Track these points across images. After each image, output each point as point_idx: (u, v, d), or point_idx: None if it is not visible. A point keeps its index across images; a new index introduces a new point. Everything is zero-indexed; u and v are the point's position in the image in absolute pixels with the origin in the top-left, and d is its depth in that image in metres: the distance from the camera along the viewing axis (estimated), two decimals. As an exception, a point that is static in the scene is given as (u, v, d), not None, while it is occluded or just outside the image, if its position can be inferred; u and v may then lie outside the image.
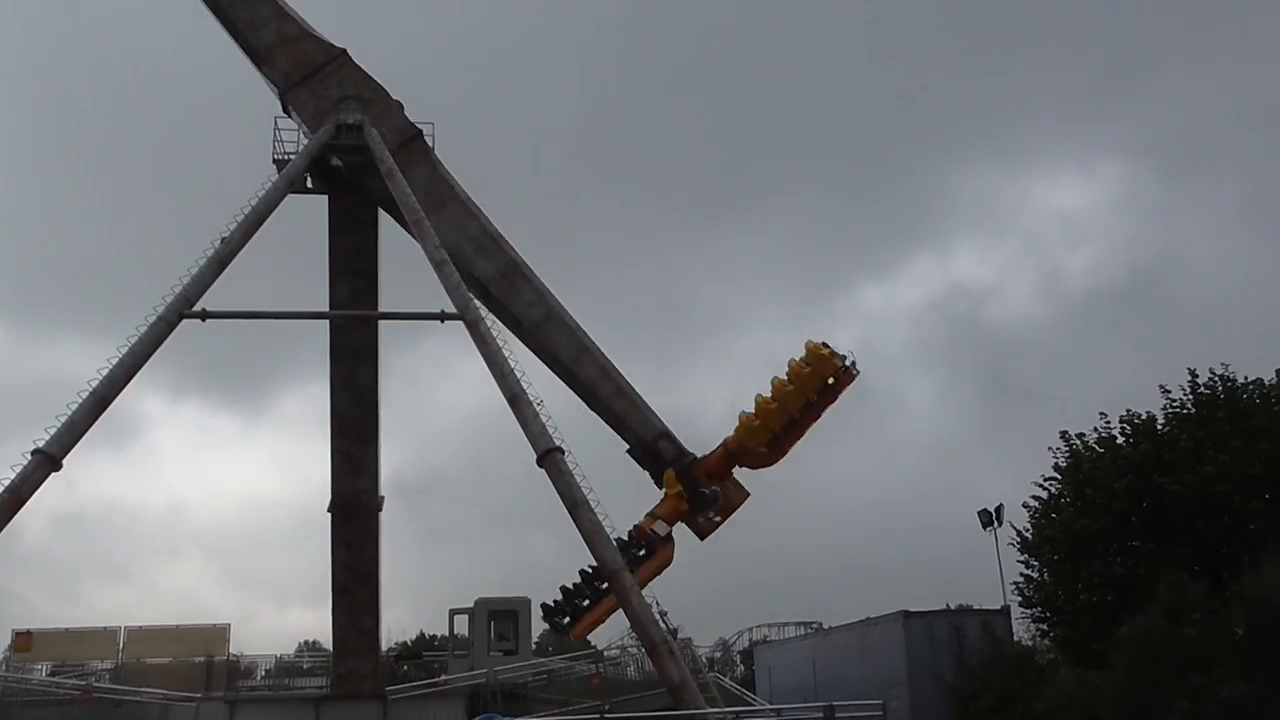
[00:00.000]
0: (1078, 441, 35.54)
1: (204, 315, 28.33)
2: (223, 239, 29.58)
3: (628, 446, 32.22)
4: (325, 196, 34.47)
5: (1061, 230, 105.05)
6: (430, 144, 34.29)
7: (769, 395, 30.38)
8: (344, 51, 34.40)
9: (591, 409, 32.31)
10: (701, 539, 31.05)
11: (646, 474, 31.53)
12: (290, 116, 34.29)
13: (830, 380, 30.49)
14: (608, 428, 31.80)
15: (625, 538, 29.23)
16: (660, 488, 31.22)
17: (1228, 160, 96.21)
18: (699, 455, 31.54)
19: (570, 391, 32.00)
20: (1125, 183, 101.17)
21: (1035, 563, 35.64)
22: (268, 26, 34.38)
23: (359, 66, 34.30)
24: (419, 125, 34.28)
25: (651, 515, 30.55)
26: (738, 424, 30.81)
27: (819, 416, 30.74)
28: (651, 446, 31.99)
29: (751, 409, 30.41)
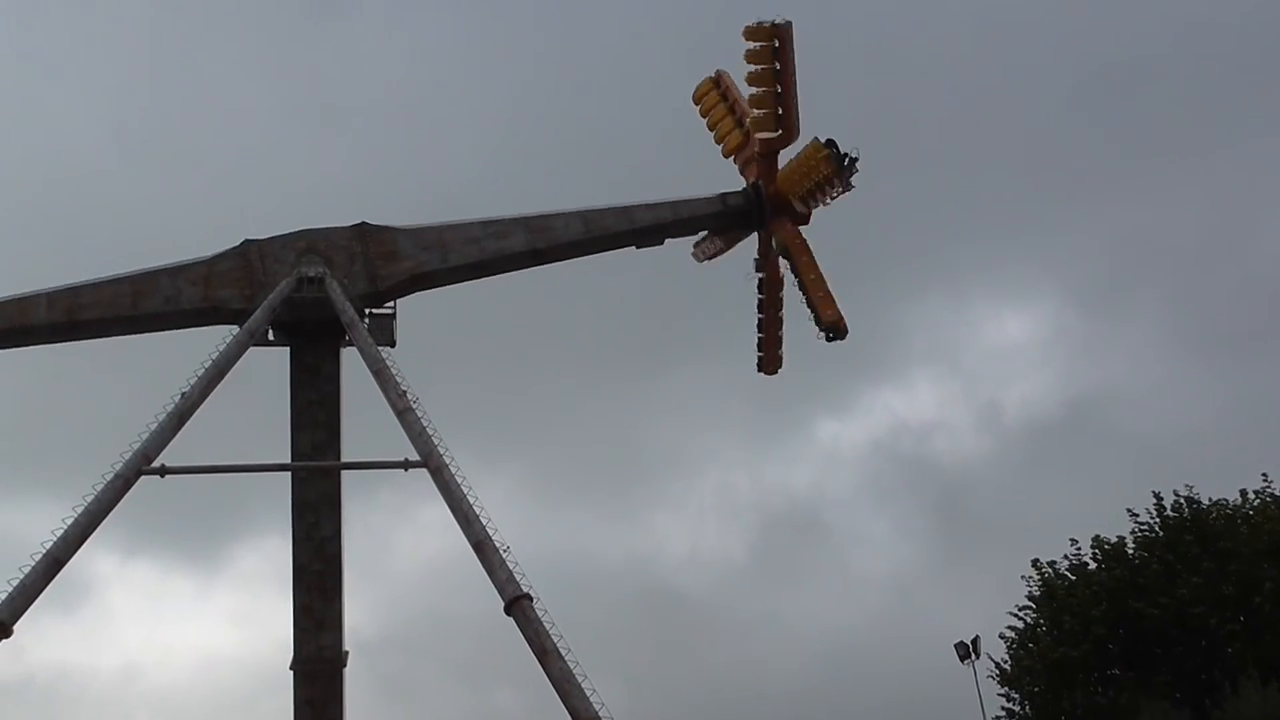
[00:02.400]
0: (1049, 569, 35.38)
1: (163, 471, 27.87)
2: (183, 394, 29.31)
3: (705, 233, 37.88)
4: (287, 349, 34.37)
5: (1000, 365, 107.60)
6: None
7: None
8: (246, 240, 33.98)
9: (667, 238, 36.92)
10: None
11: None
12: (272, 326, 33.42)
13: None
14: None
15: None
16: (761, 229, 36.98)
17: (1144, 298, 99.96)
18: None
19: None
20: (1053, 319, 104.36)
21: (1016, 695, 35.00)
22: (180, 290, 32.99)
23: (268, 237, 34.00)
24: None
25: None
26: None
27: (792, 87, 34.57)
28: (726, 211, 36.76)
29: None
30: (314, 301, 33.22)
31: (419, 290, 34.87)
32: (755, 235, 37.90)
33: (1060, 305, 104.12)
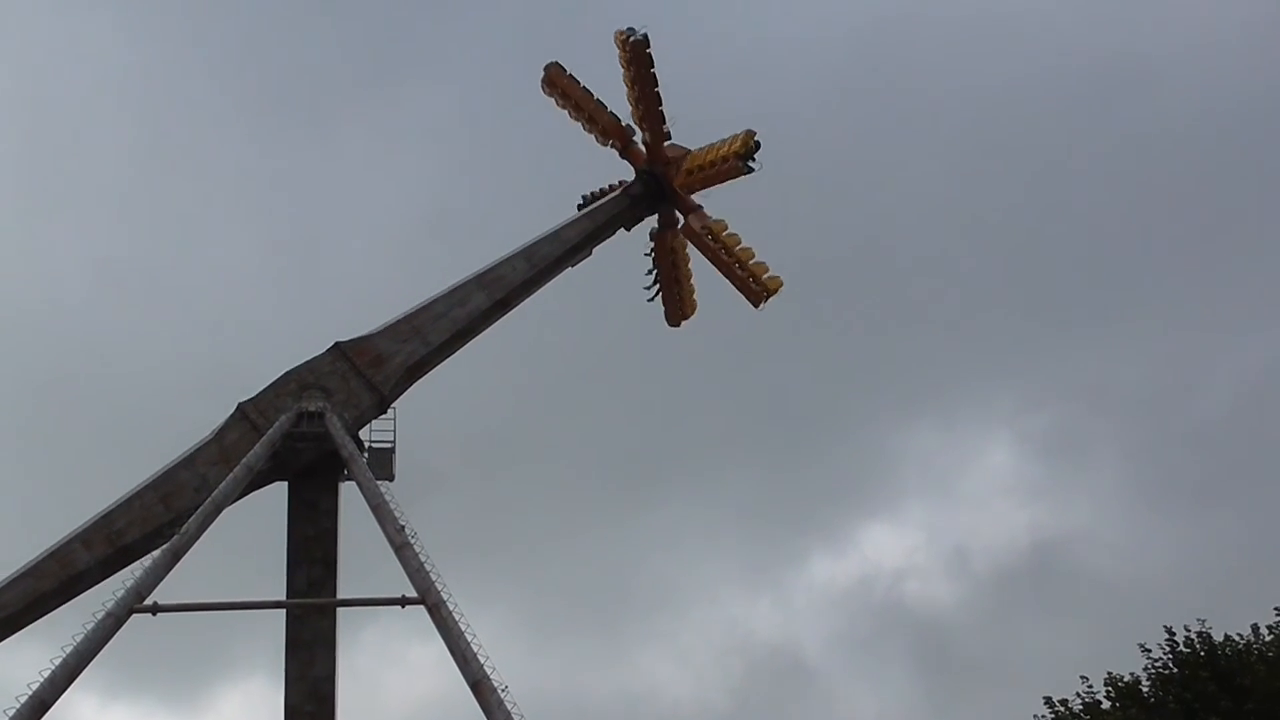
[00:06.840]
0: (1062, 708, 34.51)
1: (155, 609, 27.47)
2: (179, 530, 29.08)
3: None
4: (285, 483, 34.22)
5: (967, 508, 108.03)
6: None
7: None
8: (239, 404, 34.03)
9: (597, 243, 40.35)
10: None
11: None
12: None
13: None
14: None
15: None
16: (665, 203, 41.29)
17: (1102, 444, 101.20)
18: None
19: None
20: (1013, 468, 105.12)
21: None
22: (205, 476, 32.67)
23: (258, 393, 34.09)
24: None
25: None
26: None
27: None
28: (635, 201, 40.73)
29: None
30: (313, 436, 33.27)
31: (417, 380, 35.91)
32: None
33: (1021, 453, 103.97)
